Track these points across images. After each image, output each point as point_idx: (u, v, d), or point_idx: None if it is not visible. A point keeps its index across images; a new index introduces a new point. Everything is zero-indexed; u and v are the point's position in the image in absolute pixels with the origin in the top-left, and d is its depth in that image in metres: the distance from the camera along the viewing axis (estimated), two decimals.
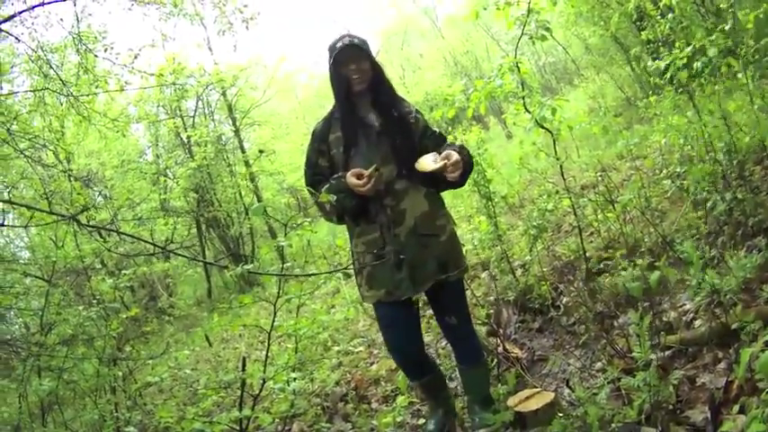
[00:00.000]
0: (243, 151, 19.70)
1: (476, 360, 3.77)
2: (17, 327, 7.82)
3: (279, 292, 3.35)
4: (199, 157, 17.27)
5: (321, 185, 3.44)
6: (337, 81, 3.52)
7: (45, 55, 8.67)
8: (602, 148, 10.04)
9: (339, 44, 3.44)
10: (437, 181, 3.42)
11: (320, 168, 3.56)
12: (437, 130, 3.70)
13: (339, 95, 3.55)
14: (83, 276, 8.44)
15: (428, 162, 3.30)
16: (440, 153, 3.34)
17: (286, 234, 3.13)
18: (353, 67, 3.43)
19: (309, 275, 3.68)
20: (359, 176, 3.25)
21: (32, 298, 8.05)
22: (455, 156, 3.28)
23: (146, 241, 4.58)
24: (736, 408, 2.77)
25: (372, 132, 3.49)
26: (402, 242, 3.40)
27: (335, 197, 3.22)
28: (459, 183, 3.50)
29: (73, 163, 14.69)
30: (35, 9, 7.82)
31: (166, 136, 19.66)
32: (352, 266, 3.67)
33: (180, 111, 18.75)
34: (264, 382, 3.71)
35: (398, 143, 3.47)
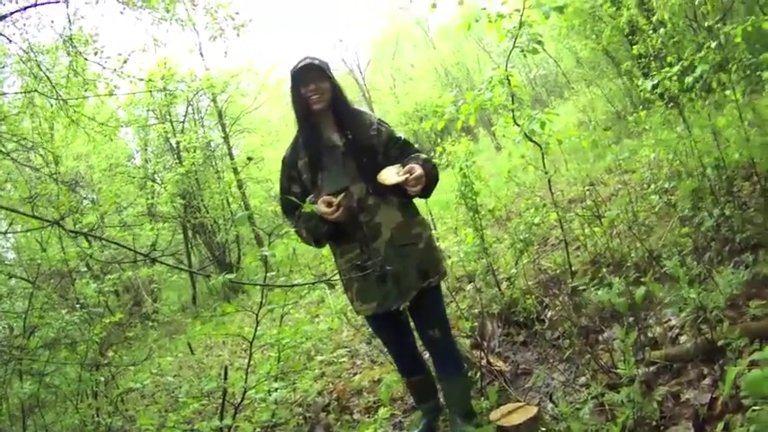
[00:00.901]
0: (231, 158, 19.69)
1: (457, 371, 3.78)
2: (0, 329, 7.74)
3: (262, 302, 3.34)
4: (187, 162, 17.26)
5: (295, 215, 3.58)
6: (297, 101, 3.59)
7: (36, 57, 8.64)
8: (591, 161, 10.05)
9: (300, 65, 3.52)
10: (404, 192, 3.45)
11: (293, 195, 3.57)
12: (402, 138, 3.73)
13: (299, 116, 3.63)
14: (67, 279, 8.37)
15: (390, 175, 3.35)
16: (403, 165, 3.41)
17: (270, 243, 3.13)
18: (312, 87, 3.48)
19: (293, 286, 3.67)
20: (328, 204, 3.33)
21: (16, 299, 7.98)
22: (418, 170, 3.33)
23: (129, 248, 4.53)
24: (720, 425, 2.75)
25: (337, 153, 3.55)
26: (382, 254, 3.45)
27: (308, 224, 3.43)
28: (422, 196, 3.56)
29: (61, 165, 14.64)
30: (27, 10, 7.80)
31: (155, 140, 19.64)
32: (336, 277, 3.77)
33: (170, 115, 18.73)
34: (246, 391, 3.69)
35: (364, 161, 3.51)
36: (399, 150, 3.62)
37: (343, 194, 3.36)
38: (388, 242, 3.48)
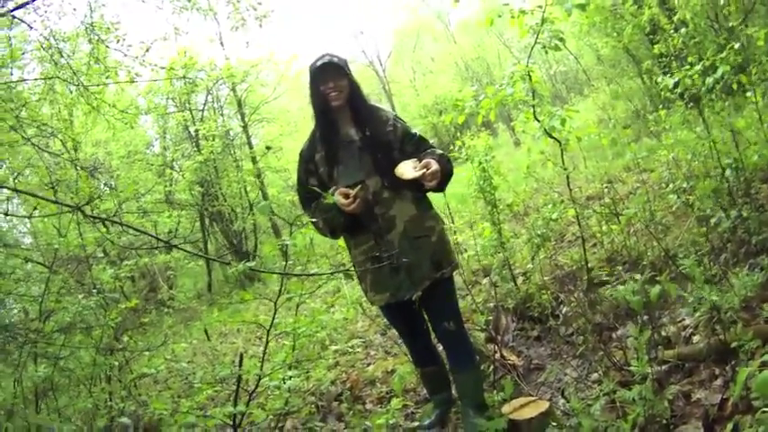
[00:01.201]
0: (250, 147, 19.72)
1: (470, 363, 3.83)
2: (16, 312, 7.80)
3: (281, 291, 3.38)
4: (206, 150, 17.31)
5: (312, 206, 3.66)
6: (316, 97, 3.67)
7: (57, 43, 8.68)
8: (610, 159, 10.02)
9: (319, 62, 3.60)
10: (419, 186, 3.51)
11: (311, 187, 3.62)
12: (417, 134, 3.79)
13: (317, 111, 3.72)
14: (84, 265, 8.43)
15: (407, 169, 3.42)
16: (420, 160, 3.47)
17: (292, 233, 3.18)
18: (331, 85, 3.57)
19: (312, 275, 3.73)
20: (345, 196, 3.42)
21: (33, 284, 8.03)
22: (434, 165, 3.41)
23: (150, 234, 4.57)
24: (729, 425, 2.76)
25: (353, 148, 3.64)
26: (396, 246, 3.53)
27: (325, 216, 3.49)
28: (437, 190, 3.64)
29: (80, 152, 14.69)
30: None
31: (174, 129, 19.72)
32: (353, 269, 3.83)
33: (189, 104, 18.76)
34: (260, 378, 3.72)
35: (380, 156, 3.60)
36: (415, 146, 3.69)
37: (359, 186, 3.44)
38: (401, 234, 3.56)
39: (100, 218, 4.37)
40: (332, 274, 4.30)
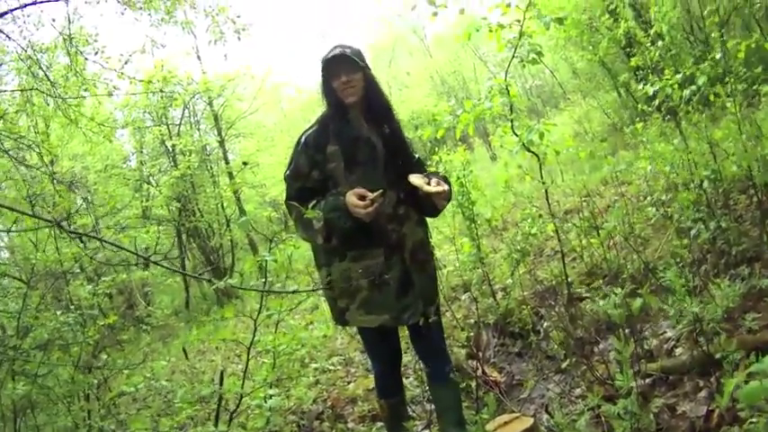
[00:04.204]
0: (227, 162, 19.69)
1: (450, 376, 3.67)
2: None
3: (260, 309, 3.29)
4: (183, 165, 17.23)
5: (310, 201, 3.19)
6: (328, 93, 3.39)
7: (35, 55, 8.62)
8: (587, 172, 10.06)
9: (330, 55, 3.32)
10: (418, 206, 3.39)
11: (312, 181, 3.35)
12: (417, 155, 3.60)
13: (331, 106, 3.40)
14: (61, 280, 8.35)
15: (422, 183, 3.17)
16: (427, 178, 3.24)
17: (271, 249, 3.04)
18: (344, 79, 3.28)
19: (295, 292, 3.61)
20: (361, 197, 3.08)
21: (10, 299, 7.95)
22: (446, 187, 3.20)
23: (127, 249, 4.50)
24: None
25: (376, 154, 3.35)
26: (407, 267, 3.33)
27: (327, 216, 3.12)
28: (435, 213, 3.50)
29: (57, 165, 14.60)
30: (27, 8, 7.79)
31: (151, 143, 19.62)
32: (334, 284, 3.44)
33: (166, 118, 18.67)
34: (242, 397, 3.66)
35: (400, 165, 3.36)
36: (415, 166, 3.45)
37: (380, 191, 3.08)
38: (411, 255, 3.35)
39: (78, 233, 4.32)
40: (313, 291, 4.18)
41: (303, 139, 3.41)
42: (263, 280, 3.19)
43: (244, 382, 3.72)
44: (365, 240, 3.26)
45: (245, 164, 18.77)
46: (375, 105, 3.42)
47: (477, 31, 4.95)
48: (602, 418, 3.30)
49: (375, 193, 3.05)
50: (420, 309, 3.36)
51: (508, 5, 4.84)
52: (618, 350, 3.19)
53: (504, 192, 7.81)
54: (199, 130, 20.36)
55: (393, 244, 3.31)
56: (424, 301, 3.39)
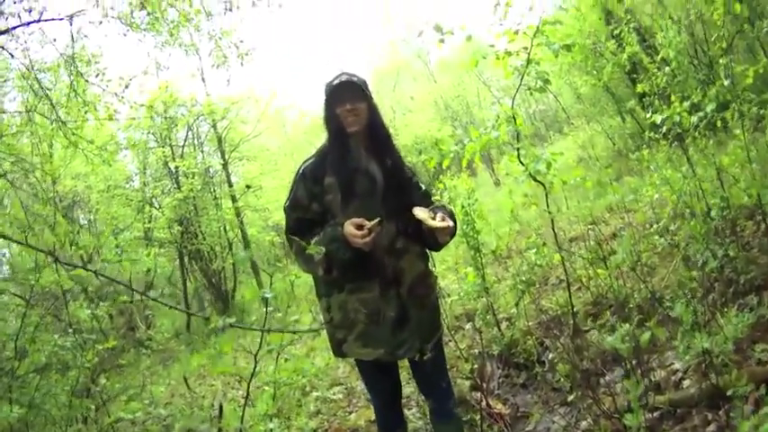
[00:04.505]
0: (230, 185, 19.66)
1: (455, 413, 3.62)
2: None
3: (260, 344, 3.22)
4: (186, 188, 17.23)
5: (309, 232, 3.22)
6: (331, 120, 3.31)
7: (36, 74, 8.62)
8: (591, 199, 10.00)
9: (336, 81, 3.27)
10: (421, 239, 3.30)
11: (311, 213, 3.31)
12: (423, 186, 3.54)
13: (332, 134, 3.34)
14: (61, 300, 8.31)
15: (426, 217, 3.10)
16: (432, 211, 3.18)
17: (272, 285, 2.99)
18: (349, 107, 3.22)
19: (293, 332, 3.53)
20: (358, 227, 3.03)
21: (9, 315, 7.91)
22: (451, 222, 3.13)
23: (125, 285, 4.45)
24: None
25: (375, 186, 3.28)
26: (403, 302, 3.25)
27: (326, 248, 3.05)
28: (438, 248, 3.41)
29: (59, 184, 14.60)
30: (30, 25, 7.79)
31: (154, 164, 19.60)
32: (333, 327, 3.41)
33: (170, 140, 18.68)
34: None
35: (401, 199, 3.28)
36: (421, 198, 3.42)
37: (377, 220, 3.02)
38: (408, 291, 3.27)
39: (75, 265, 4.26)
40: (314, 331, 4.11)
41: (301, 171, 3.37)
42: (264, 316, 3.10)
43: (243, 414, 3.64)
44: (362, 273, 3.20)
45: (248, 187, 18.77)
46: (378, 137, 3.37)
47: (485, 58, 4.93)
48: None
49: (372, 222, 3.01)
50: (416, 345, 3.30)
51: (516, 33, 4.82)
52: (627, 388, 3.13)
53: (510, 222, 7.76)
54: (202, 152, 20.37)
55: (389, 278, 3.23)
56: (421, 337, 3.32)
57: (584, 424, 3.88)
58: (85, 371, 5.56)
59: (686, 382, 3.74)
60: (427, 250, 3.50)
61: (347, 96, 3.23)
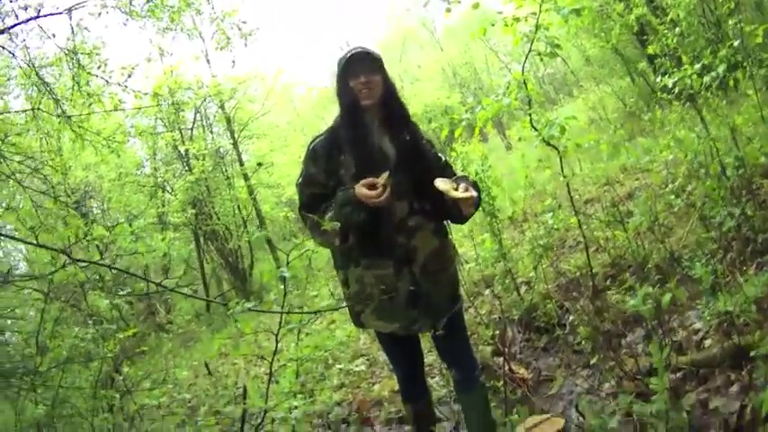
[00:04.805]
0: (241, 164, 19.65)
1: (478, 381, 3.58)
2: (12, 346, 7.70)
3: (280, 324, 3.20)
4: (197, 170, 17.24)
5: (322, 207, 3.18)
6: (344, 94, 3.24)
7: (38, 70, 8.58)
8: (605, 160, 9.93)
9: (350, 54, 3.18)
10: (444, 212, 3.25)
11: (323, 188, 3.25)
12: (444, 158, 3.49)
13: (345, 109, 3.26)
14: (79, 292, 8.35)
15: (449, 188, 3.04)
16: (455, 182, 3.13)
17: (289, 264, 2.96)
18: (363, 80, 3.14)
19: (313, 313, 3.50)
20: (370, 186, 2.99)
21: (29, 309, 7.96)
22: (475, 193, 3.09)
23: (140, 277, 4.45)
24: None
25: (387, 163, 3.18)
26: (416, 280, 3.21)
27: (340, 212, 3.03)
28: (463, 220, 3.34)
29: (70, 176, 14.61)
30: (29, 22, 7.75)
31: (164, 149, 19.58)
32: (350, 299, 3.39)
33: (178, 123, 18.66)
34: (266, 412, 3.57)
35: (417, 177, 3.21)
36: (441, 170, 3.34)
37: (386, 174, 2.99)
38: (422, 268, 3.22)
39: (90, 261, 4.24)
40: (334, 309, 4.08)
41: (312, 148, 3.32)
42: (283, 295, 3.08)
43: (267, 396, 3.63)
44: (375, 250, 3.19)
45: (259, 164, 18.78)
46: (392, 112, 3.30)
47: (493, 25, 4.87)
48: (634, 417, 3.21)
49: (382, 176, 2.98)
50: (429, 322, 3.27)
51: None
52: (649, 350, 3.12)
53: (525, 187, 7.73)
54: (212, 133, 20.33)
55: (401, 257, 3.20)
56: (435, 313, 3.27)
57: (606, 386, 3.87)
58: (108, 360, 5.58)
59: (708, 342, 3.71)
60: (445, 223, 3.46)
61: (361, 69, 3.16)
